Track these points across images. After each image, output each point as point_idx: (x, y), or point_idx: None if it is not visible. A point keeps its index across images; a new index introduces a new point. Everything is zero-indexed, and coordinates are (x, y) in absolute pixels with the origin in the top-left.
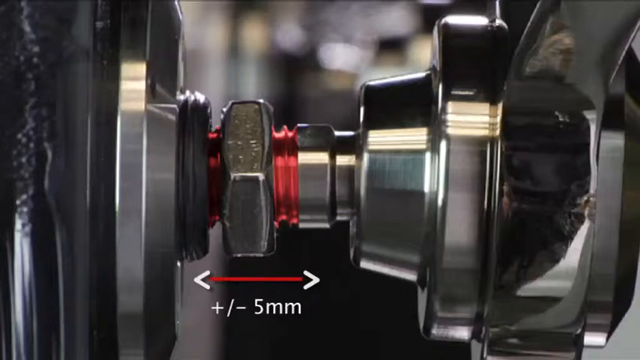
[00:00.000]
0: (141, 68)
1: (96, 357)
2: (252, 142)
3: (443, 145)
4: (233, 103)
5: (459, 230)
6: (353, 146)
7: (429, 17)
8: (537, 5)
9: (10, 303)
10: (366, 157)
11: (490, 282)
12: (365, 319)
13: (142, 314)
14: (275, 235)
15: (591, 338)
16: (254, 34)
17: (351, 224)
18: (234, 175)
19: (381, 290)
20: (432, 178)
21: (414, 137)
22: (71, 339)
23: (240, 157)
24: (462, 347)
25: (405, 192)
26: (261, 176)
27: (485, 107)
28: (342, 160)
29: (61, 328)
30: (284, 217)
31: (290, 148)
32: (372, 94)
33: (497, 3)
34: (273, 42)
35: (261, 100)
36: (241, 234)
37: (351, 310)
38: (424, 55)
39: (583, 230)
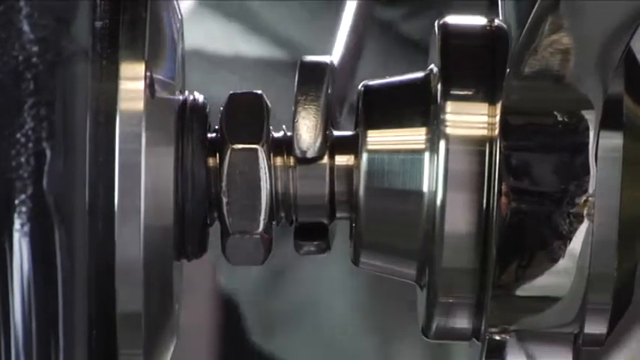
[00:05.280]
0: (140, 68)
1: (95, 356)
2: (251, 119)
3: (442, 144)
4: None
5: (457, 230)
6: (352, 146)
7: None
8: (536, 5)
9: (9, 302)
10: (365, 156)
11: (489, 282)
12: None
13: (142, 314)
14: (274, 213)
15: (590, 338)
16: None
17: (350, 224)
18: (233, 146)
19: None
20: (431, 177)
21: (413, 137)
22: (70, 338)
23: (239, 130)
24: (462, 347)
25: (404, 192)
26: (259, 147)
27: (484, 107)
28: (341, 159)
29: (59, 328)
30: (283, 217)
31: (289, 147)
32: (371, 94)
33: (498, 2)
34: None
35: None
36: (239, 209)
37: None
38: None
39: (582, 230)
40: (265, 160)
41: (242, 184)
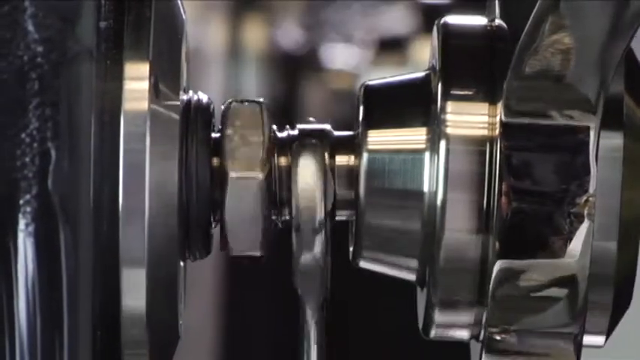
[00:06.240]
0: (144, 68)
1: (99, 357)
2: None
3: (442, 144)
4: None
5: (458, 230)
6: (352, 146)
7: (428, 17)
8: (537, 5)
9: (14, 303)
10: (365, 156)
11: (489, 282)
12: (366, 320)
13: (145, 314)
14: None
15: (591, 338)
16: (254, 34)
17: (350, 224)
18: (234, 102)
19: (380, 289)
20: (432, 177)
21: (414, 137)
22: (74, 339)
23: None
24: (461, 347)
25: (405, 192)
26: (260, 105)
27: (484, 107)
28: (342, 159)
29: (64, 328)
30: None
31: (290, 147)
32: (372, 94)
33: (497, 3)
34: (273, 42)
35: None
36: (240, 148)
37: (352, 309)
38: (424, 55)
39: (582, 230)
40: (265, 115)
41: (243, 128)
